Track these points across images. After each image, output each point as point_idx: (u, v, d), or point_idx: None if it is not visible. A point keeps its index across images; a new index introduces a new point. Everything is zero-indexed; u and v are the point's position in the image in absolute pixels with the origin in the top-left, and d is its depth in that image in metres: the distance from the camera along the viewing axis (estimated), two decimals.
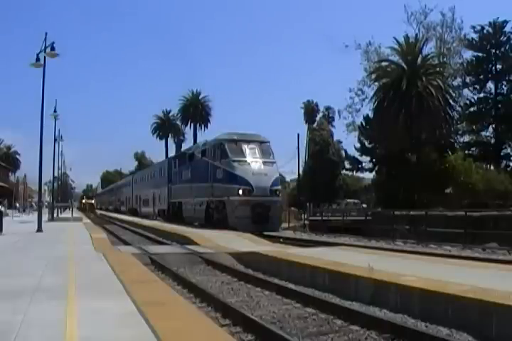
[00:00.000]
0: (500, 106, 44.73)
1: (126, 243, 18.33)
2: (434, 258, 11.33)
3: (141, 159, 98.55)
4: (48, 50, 19.17)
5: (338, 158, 57.36)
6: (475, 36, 45.16)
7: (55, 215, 37.00)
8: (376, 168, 48.75)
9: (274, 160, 23.55)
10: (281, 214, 26.13)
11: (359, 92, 47.48)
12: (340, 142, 60.44)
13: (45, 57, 19.58)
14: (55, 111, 32.57)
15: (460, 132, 46.69)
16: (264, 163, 22.51)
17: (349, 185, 59.39)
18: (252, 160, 22.31)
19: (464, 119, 45.11)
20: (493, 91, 45.35)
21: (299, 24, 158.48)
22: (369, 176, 56.25)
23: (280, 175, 28.12)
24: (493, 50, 44.74)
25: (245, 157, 22.36)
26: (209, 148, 24.75)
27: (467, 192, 35.61)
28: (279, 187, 23.68)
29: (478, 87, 45.77)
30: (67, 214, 52.19)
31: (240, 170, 21.95)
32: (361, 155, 50.91)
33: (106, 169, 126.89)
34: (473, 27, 44.88)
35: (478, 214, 24.94)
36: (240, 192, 21.55)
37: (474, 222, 22.75)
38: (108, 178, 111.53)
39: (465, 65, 45.51)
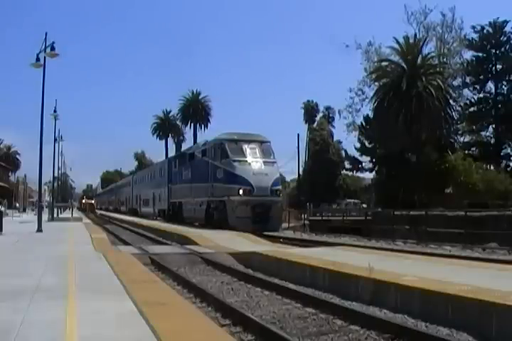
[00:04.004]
0: (500, 106, 44.78)
1: (126, 243, 18.31)
2: (434, 258, 11.33)
3: (141, 159, 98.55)
4: (48, 50, 19.15)
5: (338, 158, 57.41)
6: (475, 36, 45.28)
7: (55, 215, 36.99)
8: (376, 168, 48.80)
9: (274, 160, 23.50)
10: (281, 214, 26.09)
11: (359, 92, 47.58)
12: (340, 142, 60.57)
13: (45, 57, 19.56)
14: (55, 111, 32.60)
15: (460, 132, 46.75)
16: (265, 162, 22.46)
17: (349, 185, 59.42)
18: (253, 160, 22.27)
19: (464, 119, 45.16)
20: (493, 91, 45.42)
21: (299, 24, 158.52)
22: (369, 176, 56.44)
23: (280, 175, 28.10)
24: (493, 50, 44.80)
25: (246, 157, 22.31)
26: (209, 148, 24.71)
27: (467, 192, 35.64)
28: (280, 187, 23.66)
29: (478, 87, 45.84)
30: (67, 214, 52.20)
31: (240, 170, 21.92)
32: (361, 155, 51.05)
33: (106, 169, 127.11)
34: (474, 27, 45.05)
35: (478, 214, 24.96)
36: (241, 192, 21.51)
37: (474, 222, 22.74)
38: (108, 178, 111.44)
39: (465, 65, 45.55)
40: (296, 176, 54.71)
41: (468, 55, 45.92)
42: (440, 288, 6.36)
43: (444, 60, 44.72)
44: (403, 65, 40.14)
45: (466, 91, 46.43)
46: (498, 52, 44.76)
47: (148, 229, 26.02)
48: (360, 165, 52.63)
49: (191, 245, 15.08)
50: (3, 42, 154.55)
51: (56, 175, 43.52)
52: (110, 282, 6.97)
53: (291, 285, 8.95)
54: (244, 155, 22.38)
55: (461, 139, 47.45)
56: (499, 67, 44.89)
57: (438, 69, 40.75)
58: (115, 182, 78.04)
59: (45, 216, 25.98)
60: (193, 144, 42.38)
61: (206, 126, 69.61)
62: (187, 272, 10.96)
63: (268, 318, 6.60)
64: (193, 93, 70.37)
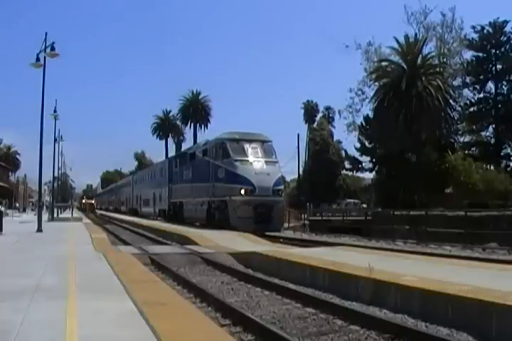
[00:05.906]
0: (500, 106, 44.76)
1: (126, 243, 18.31)
2: (434, 258, 11.33)
3: (141, 159, 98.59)
4: (48, 50, 19.14)
5: (338, 158, 57.44)
6: (475, 36, 45.26)
7: (55, 215, 36.99)
8: (376, 168, 48.82)
9: (276, 160, 23.32)
10: (283, 214, 25.98)
11: (359, 92, 47.68)
12: (340, 142, 60.63)
13: (45, 57, 19.54)
14: (55, 111, 32.58)
15: (460, 132, 46.75)
16: (267, 162, 22.27)
17: (349, 185, 59.43)
18: (254, 160, 22.08)
19: (464, 119, 45.16)
20: (493, 91, 45.40)
21: (299, 24, 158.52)
22: (369, 176, 56.47)
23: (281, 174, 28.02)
24: (493, 50, 44.77)
25: (247, 156, 22.10)
26: (210, 148, 24.57)
27: (467, 192, 35.63)
28: (282, 186, 23.44)
29: (478, 87, 45.81)
30: (67, 214, 52.22)
31: (241, 169, 21.75)
32: (361, 155, 51.07)
33: (106, 169, 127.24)
34: (474, 27, 45.03)
35: (478, 214, 24.96)
36: (242, 191, 21.31)
37: (474, 222, 22.76)
38: (108, 178, 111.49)
39: (465, 65, 45.56)
40: (296, 176, 54.76)
41: (468, 55, 46.02)
42: (440, 288, 6.36)
43: (444, 60, 44.76)
44: (403, 65, 40.15)
45: (466, 92, 46.53)
46: (498, 52, 44.72)
47: (149, 229, 26.00)
48: (360, 165, 52.63)
49: (191, 245, 15.07)
50: (3, 42, 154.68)
51: (56, 175, 43.56)
52: (110, 282, 6.96)
53: (291, 285, 8.95)
54: (245, 154, 22.20)
55: (461, 139, 47.52)
56: (499, 67, 44.84)
57: (438, 69, 40.76)
58: (115, 182, 78.01)
59: (45, 216, 25.98)
60: (193, 144, 42.32)
61: (206, 126, 69.79)
62: (187, 272, 10.96)
63: (268, 318, 6.59)
64: (193, 93, 70.42)
